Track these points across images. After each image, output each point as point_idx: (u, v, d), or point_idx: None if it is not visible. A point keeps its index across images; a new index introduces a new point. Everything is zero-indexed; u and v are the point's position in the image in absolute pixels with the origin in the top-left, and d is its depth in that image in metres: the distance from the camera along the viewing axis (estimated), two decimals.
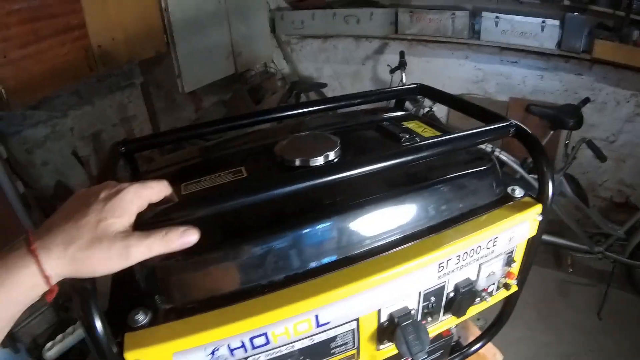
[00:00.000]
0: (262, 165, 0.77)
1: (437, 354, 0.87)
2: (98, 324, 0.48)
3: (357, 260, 0.59)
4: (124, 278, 0.60)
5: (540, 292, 2.55)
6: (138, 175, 0.84)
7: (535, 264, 2.44)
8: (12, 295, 0.41)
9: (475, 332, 1.06)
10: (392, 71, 2.82)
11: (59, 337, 1.74)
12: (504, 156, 2.43)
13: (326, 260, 0.60)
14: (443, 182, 0.67)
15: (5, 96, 1.76)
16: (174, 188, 0.53)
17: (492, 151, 2.41)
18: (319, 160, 0.69)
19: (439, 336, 0.85)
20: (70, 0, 1.96)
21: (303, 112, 0.91)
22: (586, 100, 2.36)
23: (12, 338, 1.84)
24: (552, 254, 2.73)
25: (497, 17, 2.62)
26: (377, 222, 0.62)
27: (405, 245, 0.62)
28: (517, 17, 2.57)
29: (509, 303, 0.88)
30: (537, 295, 2.53)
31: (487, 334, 0.95)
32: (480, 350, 0.98)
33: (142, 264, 0.54)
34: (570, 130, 2.25)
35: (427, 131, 0.86)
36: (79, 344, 1.76)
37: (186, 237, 0.48)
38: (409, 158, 0.61)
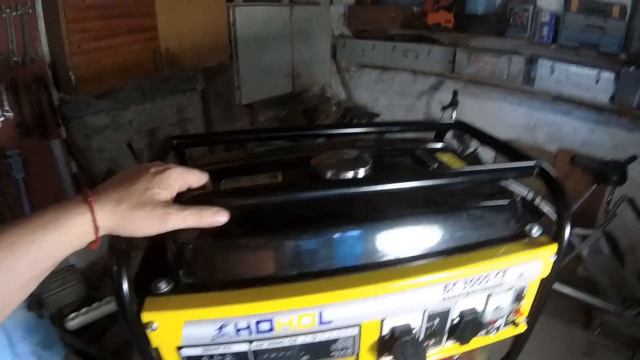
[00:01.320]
0: (297, 174, 0.82)
1: None
2: (124, 283, 0.54)
3: (366, 269, 0.63)
4: (156, 251, 0.67)
5: (566, 350, 2.44)
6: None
7: (563, 321, 2.37)
8: (66, 236, 0.47)
9: None
10: (444, 109, 2.85)
11: (83, 309, 1.84)
12: (545, 206, 2.38)
13: (338, 264, 0.64)
14: (460, 210, 0.70)
15: (75, 82, 1.92)
16: (216, 182, 0.59)
17: (533, 199, 2.37)
18: (349, 176, 0.74)
19: None
20: (146, 4, 2.13)
21: (347, 132, 0.98)
22: (633, 158, 2.28)
23: (38, 304, 1.96)
24: (582, 313, 2.61)
25: (552, 65, 2.60)
26: (391, 238, 0.66)
27: (414, 263, 0.65)
28: (573, 67, 2.53)
29: (517, 343, 0.88)
30: (562, 353, 2.42)
31: None
32: None
33: (175, 240, 0.61)
34: (614, 186, 2.18)
35: (457, 164, 0.89)
36: (101, 320, 1.86)
37: (217, 217, 0.55)
38: (430, 183, 0.65)
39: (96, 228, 0.49)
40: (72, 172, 2.18)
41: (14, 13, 1.80)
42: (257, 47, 2.81)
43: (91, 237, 0.49)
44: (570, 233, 0.71)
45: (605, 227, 2.27)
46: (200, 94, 2.89)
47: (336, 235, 0.63)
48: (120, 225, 0.51)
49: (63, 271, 2.03)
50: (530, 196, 2.30)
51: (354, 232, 0.64)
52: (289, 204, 0.64)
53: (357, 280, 0.61)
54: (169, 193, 0.53)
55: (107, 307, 1.85)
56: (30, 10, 1.85)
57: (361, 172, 0.74)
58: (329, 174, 0.73)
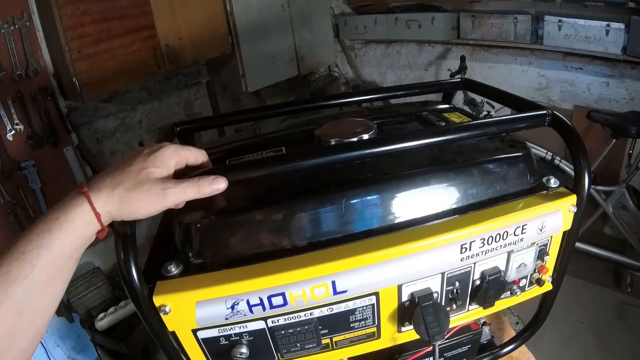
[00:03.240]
0: (301, 146, 0.80)
1: (465, 348, 0.86)
2: (133, 269, 0.53)
3: (378, 234, 0.61)
4: (165, 235, 0.66)
5: (597, 312, 2.40)
6: None
7: (594, 282, 2.34)
8: (71, 230, 0.47)
9: (511, 334, 1.03)
10: (452, 76, 2.79)
11: (111, 309, 1.88)
12: (564, 165, 2.32)
13: (348, 231, 0.62)
14: (472, 165, 0.67)
15: (79, 88, 1.94)
16: (222, 163, 0.57)
17: (553, 159, 2.32)
18: (353, 141, 0.72)
19: (467, 328, 0.84)
20: (141, 3, 2.12)
21: (351, 100, 0.96)
22: None
23: (68, 308, 2.01)
24: (612, 273, 2.56)
25: (560, 21, 2.51)
26: (401, 200, 0.64)
27: (427, 224, 0.62)
28: (581, 21, 2.44)
29: (544, 304, 0.85)
30: (593, 315, 2.38)
31: (521, 337, 0.92)
32: (514, 354, 0.95)
33: (181, 222, 0.60)
34: (634, 139, 2.11)
35: (466, 121, 0.86)
36: (128, 318, 1.89)
37: (216, 184, 0.54)
38: (437, 139, 0.62)
39: (97, 216, 0.48)
40: (88, 177, 2.21)
41: (12, 27, 1.82)
42: (258, 33, 2.79)
43: (95, 226, 0.49)
44: (590, 182, 0.67)
45: (628, 182, 2.20)
46: (206, 87, 2.89)
47: (343, 202, 0.61)
48: (121, 208, 0.50)
49: (89, 274, 2.07)
50: (548, 157, 2.25)
51: (362, 197, 0.62)
52: (293, 175, 0.62)
53: (368, 245, 0.59)
54: (165, 170, 0.53)
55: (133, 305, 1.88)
56: (27, 23, 1.86)
57: (366, 137, 0.72)
58: (332, 142, 0.71)
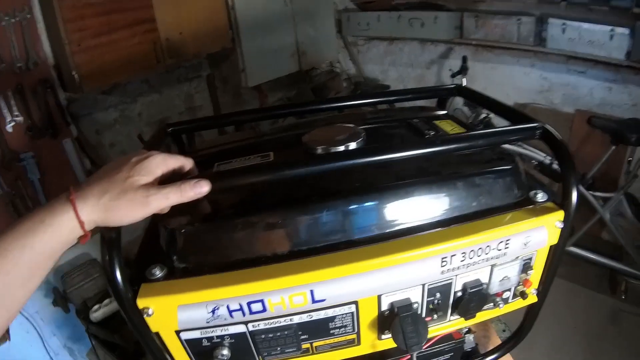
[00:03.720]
0: (289, 152, 0.81)
1: (447, 356, 0.87)
2: (117, 271, 0.54)
3: (358, 245, 0.61)
4: (151, 239, 0.67)
5: (591, 317, 2.40)
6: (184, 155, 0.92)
7: (588, 287, 2.33)
8: (55, 235, 0.49)
9: (497, 342, 1.04)
10: (453, 76, 2.77)
11: (106, 301, 1.90)
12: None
13: (329, 240, 0.62)
14: (457, 178, 0.68)
15: (79, 81, 1.94)
16: (210, 166, 0.58)
17: (551, 163, 2.31)
18: (339, 150, 0.72)
19: (449, 337, 0.84)
20: None
21: (344, 105, 0.96)
22: None
23: (64, 298, 2.02)
24: (608, 279, 2.55)
25: (564, 23, 2.49)
26: (384, 211, 0.64)
27: (409, 236, 0.63)
28: (585, 25, 2.42)
29: (529, 315, 0.85)
30: (587, 320, 2.38)
31: (505, 346, 0.92)
32: None
33: (166, 226, 0.61)
34: (633, 146, 2.10)
35: (457, 130, 0.86)
36: None
37: (198, 188, 0.54)
38: (422, 151, 0.62)
39: (81, 224, 0.50)
40: (86, 169, 2.22)
41: (13, 20, 1.82)
42: (259, 28, 2.78)
43: (79, 232, 0.50)
44: (578, 198, 0.67)
45: (626, 189, 2.20)
46: (207, 81, 2.88)
47: (325, 212, 0.61)
48: (105, 217, 0.51)
49: (85, 265, 2.09)
50: (547, 161, 2.24)
51: (344, 208, 0.62)
52: (277, 183, 0.63)
53: (348, 256, 0.59)
54: (150, 178, 0.53)
55: None
56: (28, 15, 1.86)
57: (352, 146, 0.72)
58: (319, 150, 0.72)
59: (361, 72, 3.88)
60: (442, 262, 0.62)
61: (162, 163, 0.55)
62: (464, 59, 2.70)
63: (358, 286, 0.60)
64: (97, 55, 1.97)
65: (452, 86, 0.99)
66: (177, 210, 0.60)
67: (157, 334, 0.62)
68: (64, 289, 2.03)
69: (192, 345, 0.64)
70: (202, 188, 0.55)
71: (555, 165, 2.24)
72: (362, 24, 3.52)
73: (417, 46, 3.46)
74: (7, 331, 1.79)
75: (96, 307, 1.92)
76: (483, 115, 2.35)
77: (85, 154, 2.20)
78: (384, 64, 3.75)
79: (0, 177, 1.91)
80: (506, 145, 0.86)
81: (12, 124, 1.90)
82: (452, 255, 0.63)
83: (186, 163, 0.59)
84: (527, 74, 2.92)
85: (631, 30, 2.28)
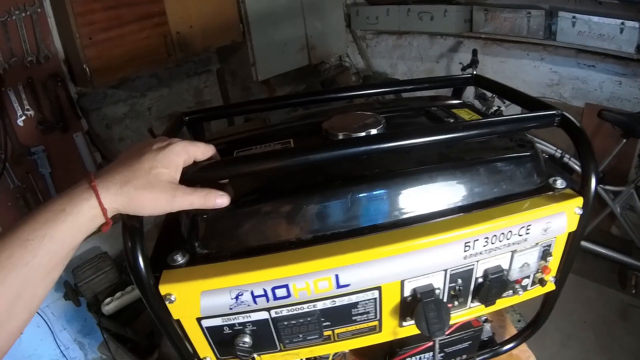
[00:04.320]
0: (309, 139, 0.81)
1: (466, 344, 0.86)
2: (140, 258, 0.54)
3: (382, 229, 0.61)
4: (171, 225, 0.67)
5: (601, 312, 2.40)
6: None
7: (598, 282, 2.33)
8: (77, 223, 0.48)
9: (513, 332, 1.03)
10: (464, 69, 2.76)
11: (117, 294, 1.91)
12: (573, 163, 2.31)
13: (352, 225, 0.62)
14: (479, 163, 0.67)
15: (89, 74, 1.95)
16: (229, 154, 0.58)
17: (562, 156, 2.31)
18: (362, 135, 0.72)
19: (468, 325, 0.84)
20: None
21: (361, 93, 0.96)
22: None
23: (75, 292, 2.04)
24: (617, 274, 2.55)
25: (574, 17, 2.47)
26: (407, 196, 0.64)
27: (432, 221, 0.63)
28: (595, 18, 2.40)
29: (546, 304, 0.85)
30: (596, 314, 2.38)
31: (522, 335, 0.93)
32: (514, 352, 0.95)
33: (187, 213, 0.61)
34: None
35: (475, 118, 0.86)
36: (134, 303, 1.92)
37: (220, 200, 0.56)
38: (444, 137, 0.62)
39: (103, 211, 0.49)
40: (97, 163, 2.23)
41: (24, 14, 1.83)
42: (269, 22, 2.78)
43: (100, 220, 0.50)
44: (597, 185, 0.67)
45: (637, 183, 2.18)
46: (216, 75, 2.88)
47: (349, 196, 0.61)
48: (128, 205, 0.51)
49: (96, 259, 2.10)
50: (558, 154, 2.23)
51: (368, 192, 0.62)
52: (300, 169, 0.62)
53: (372, 240, 0.59)
54: (173, 171, 0.53)
55: None
56: (39, 10, 1.87)
57: (373, 132, 0.72)
58: (340, 136, 0.71)
59: (370, 66, 3.88)
60: (466, 247, 0.62)
61: (183, 151, 0.55)
62: (474, 52, 2.69)
63: (382, 271, 0.60)
64: (107, 49, 1.97)
65: (468, 75, 0.99)
66: None
67: (177, 321, 0.62)
68: (75, 283, 2.05)
69: (213, 333, 0.64)
70: (224, 201, 0.56)
71: (566, 159, 2.23)
72: (371, 17, 3.52)
73: (427, 40, 3.45)
74: None
75: (108, 300, 1.93)
76: (495, 108, 2.33)
77: (95, 148, 2.21)
78: (392, 58, 3.74)
79: (12, 171, 1.92)
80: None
81: (23, 118, 1.92)
82: (475, 240, 0.62)
83: (207, 150, 0.59)
84: (536, 68, 2.91)
85: None
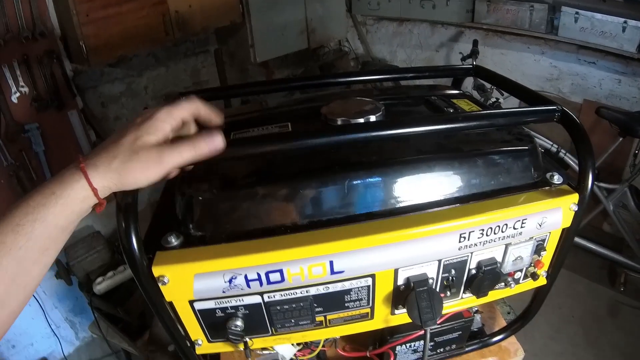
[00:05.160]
0: (307, 124, 0.80)
1: (456, 334, 0.87)
2: (133, 238, 0.53)
3: (378, 217, 0.61)
4: (166, 206, 0.67)
5: (589, 307, 2.43)
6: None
7: (588, 278, 2.35)
8: (68, 205, 0.47)
9: (502, 323, 1.04)
10: (464, 59, 2.75)
11: (109, 273, 1.90)
12: (569, 159, 2.31)
13: (348, 212, 0.62)
14: (477, 155, 0.67)
15: (86, 52, 1.92)
16: (226, 135, 0.55)
17: (557, 152, 2.31)
18: (360, 122, 0.71)
19: (459, 315, 0.85)
20: None
21: (360, 79, 0.95)
22: None
23: (67, 271, 2.03)
24: (607, 270, 2.57)
25: (577, 13, 2.46)
26: (404, 184, 0.64)
27: (428, 210, 0.63)
28: (598, 15, 2.39)
29: (536, 298, 0.86)
30: (585, 310, 2.41)
31: (511, 328, 0.93)
32: (503, 344, 0.96)
33: (183, 193, 0.61)
34: None
35: (474, 109, 0.85)
36: (126, 283, 1.92)
37: (212, 143, 0.52)
38: (443, 126, 0.61)
39: (94, 191, 0.48)
40: (92, 141, 2.21)
41: None
42: (269, 4, 2.75)
43: (92, 200, 0.49)
44: (594, 183, 0.67)
45: (631, 181, 2.20)
46: (214, 56, 2.85)
47: (346, 183, 0.61)
48: (119, 181, 0.49)
49: (88, 238, 2.10)
50: (554, 149, 2.24)
51: (365, 179, 0.62)
52: (296, 154, 0.62)
53: (368, 228, 0.59)
54: (160, 135, 0.50)
55: None
56: None
57: (372, 119, 0.71)
58: (338, 122, 0.71)
59: (369, 52, 3.85)
60: (461, 238, 0.62)
61: (169, 116, 0.52)
62: (475, 43, 2.67)
63: (377, 259, 0.60)
64: (105, 27, 1.94)
65: (469, 66, 0.98)
66: (194, 176, 0.59)
67: (170, 303, 0.62)
68: (67, 262, 2.04)
69: (205, 316, 0.64)
70: (216, 142, 0.52)
71: (561, 154, 2.24)
72: (372, 3, 3.49)
73: (427, 28, 3.43)
74: None
75: (100, 279, 1.93)
76: (493, 100, 2.33)
77: (90, 126, 2.19)
78: (392, 45, 3.72)
79: (5, 148, 1.90)
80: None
81: (17, 94, 1.89)
82: (470, 232, 0.62)
83: (192, 107, 0.55)
84: (537, 61, 2.90)
85: None
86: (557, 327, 2.33)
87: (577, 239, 2.45)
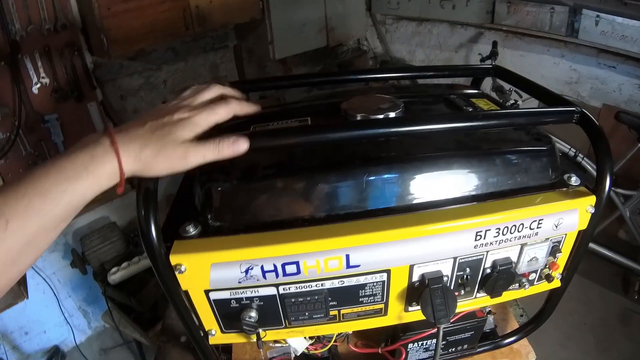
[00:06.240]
0: (327, 118, 0.80)
1: (468, 334, 0.87)
2: (152, 226, 0.54)
3: (395, 212, 0.62)
4: (186, 195, 0.68)
5: (601, 315, 2.40)
6: None
7: (601, 285, 2.32)
8: (96, 181, 0.49)
9: (515, 325, 1.04)
10: (483, 60, 2.72)
11: (124, 264, 1.93)
12: (586, 163, 2.29)
13: (366, 207, 0.63)
14: (495, 154, 0.67)
15: (107, 45, 1.94)
16: (246, 129, 0.57)
17: (575, 155, 2.28)
18: (380, 117, 0.71)
19: (472, 315, 0.85)
20: None
21: (380, 77, 0.96)
22: None
23: (82, 260, 2.07)
24: (621, 278, 2.54)
25: (598, 16, 2.42)
26: (422, 181, 0.64)
27: (445, 207, 0.63)
28: (619, 19, 2.35)
29: (550, 301, 0.86)
30: (597, 318, 2.38)
31: (524, 330, 0.93)
32: (514, 346, 0.96)
33: (202, 184, 0.61)
34: None
35: (493, 109, 0.85)
36: (140, 274, 1.95)
37: (236, 146, 0.54)
38: (462, 124, 0.61)
39: (121, 174, 0.50)
40: None
41: None
42: (289, 1, 2.76)
43: (116, 179, 0.51)
44: (611, 185, 0.67)
45: None
46: (233, 51, 2.87)
47: (365, 177, 0.61)
48: (144, 169, 0.51)
49: (104, 228, 2.13)
50: (571, 153, 2.21)
51: (384, 175, 0.62)
52: (317, 146, 0.62)
53: (385, 223, 0.59)
54: (191, 135, 0.53)
55: (146, 261, 1.93)
56: None
57: (391, 115, 0.71)
58: (358, 117, 0.71)
59: (388, 51, 3.84)
60: (477, 236, 0.62)
61: (204, 121, 0.55)
62: (494, 44, 2.65)
63: (393, 254, 0.60)
64: (126, 20, 1.96)
65: (489, 66, 0.98)
66: (214, 167, 0.60)
67: (185, 292, 0.63)
68: (83, 251, 2.07)
69: (220, 306, 0.65)
70: (240, 146, 0.54)
71: (579, 158, 2.21)
72: (392, 2, 3.47)
73: (447, 28, 3.41)
74: (25, 289, 1.83)
75: (114, 269, 1.95)
76: (512, 101, 2.31)
77: (109, 118, 2.22)
78: (411, 45, 3.70)
79: (25, 138, 1.93)
80: None
81: (38, 85, 1.92)
82: (486, 230, 0.62)
83: (229, 111, 0.58)
84: (556, 64, 2.86)
85: None
86: (568, 334, 2.30)
87: (591, 245, 2.42)
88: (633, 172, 2.47)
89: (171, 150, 0.51)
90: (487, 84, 2.51)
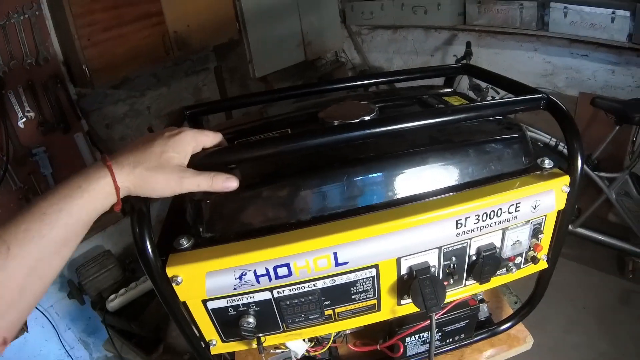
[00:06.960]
0: (306, 127, 0.83)
1: (463, 324, 0.89)
2: (147, 241, 0.56)
3: (378, 209, 0.64)
4: (176, 212, 0.70)
5: (601, 298, 2.43)
6: None
7: (597, 269, 2.35)
8: (92, 199, 0.51)
9: (510, 312, 1.06)
10: (458, 61, 2.79)
11: (122, 290, 1.93)
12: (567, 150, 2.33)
13: (349, 206, 0.65)
14: (468, 145, 0.70)
15: (89, 75, 1.97)
16: (230, 143, 0.61)
17: (556, 145, 2.34)
18: (354, 122, 0.74)
19: (465, 304, 0.87)
20: None
21: (355, 84, 1.00)
22: None
23: (79, 290, 2.06)
24: (616, 260, 2.58)
25: (565, 7, 2.50)
26: (400, 177, 0.67)
27: (425, 200, 0.65)
28: (587, 8, 2.43)
29: (540, 283, 0.88)
30: (597, 301, 2.41)
31: (519, 314, 0.95)
32: (512, 332, 0.98)
33: (191, 199, 0.64)
34: (638, 126, 2.12)
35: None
36: (139, 299, 1.95)
37: (228, 183, 0.59)
38: (435, 120, 0.64)
39: (116, 189, 0.52)
40: None
41: (22, 17, 1.85)
42: (265, 19, 2.81)
43: (113, 198, 0.53)
44: (584, 163, 0.70)
45: (632, 168, 2.21)
46: (214, 73, 2.91)
47: (345, 178, 0.64)
48: (139, 186, 0.54)
49: (100, 257, 2.13)
50: (552, 142, 2.27)
51: (363, 174, 0.65)
52: (298, 155, 0.65)
53: (368, 219, 0.62)
54: (182, 157, 0.57)
55: (144, 285, 1.94)
56: (37, 12, 1.89)
57: (367, 119, 0.74)
58: (335, 123, 0.74)
59: (366, 60, 3.91)
60: (457, 224, 0.65)
61: (193, 140, 0.59)
62: (468, 45, 2.72)
63: (378, 248, 0.62)
64: (107, 49, 2.00)
65: (459, 65, 1.02)
66: None
67: (184, 304, 0.65)
68: (80, 281, 2.07)
69: (218, 315, 0.67)
70: (231, 184, 0.59)
71: (560, 147, 2.26)
72: (366, 12, 3.55)
73: (421, 33, 3.48)
74: (25, 323, 1.82)
75: (112, 296, 1.96)
76: (489, 98, 2.36)
77: (96, 148, 2.23)
78: (388, 52, 3.78)
79: (14, 172, 1.94)
80: None
81: (24, 119, 1.94)
82: (466, 218, 0.65)
83: (215, 138, 0.62)
84: (530, 59, 2.94)
85: (632, 12, 2.29)
86: (571, 319, 2.33)
87: (583, 231, 2.47)
88: (615, 154, 2.53)
89: (168, 172, 0.54)
90: (465, 84, 2.58)
